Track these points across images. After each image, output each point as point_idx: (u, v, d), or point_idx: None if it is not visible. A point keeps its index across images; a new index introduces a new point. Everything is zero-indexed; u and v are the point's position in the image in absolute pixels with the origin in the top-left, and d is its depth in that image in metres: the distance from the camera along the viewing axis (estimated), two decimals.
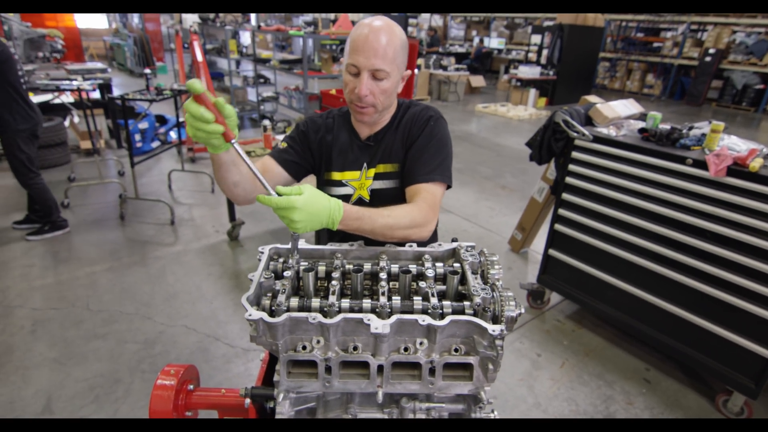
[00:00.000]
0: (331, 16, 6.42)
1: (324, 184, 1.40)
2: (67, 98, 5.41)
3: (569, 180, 2.64)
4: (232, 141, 0.95)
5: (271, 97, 6.78)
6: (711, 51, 10.71)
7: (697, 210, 2.16)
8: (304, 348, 0.88)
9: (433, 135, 1.29)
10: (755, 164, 1.96)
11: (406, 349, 0.88)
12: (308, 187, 0.97)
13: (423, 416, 0.94)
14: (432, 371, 0.88)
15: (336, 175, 1.36)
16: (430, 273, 0.96)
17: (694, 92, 11.15)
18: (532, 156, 2.89)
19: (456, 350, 0.89)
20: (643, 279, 2.42)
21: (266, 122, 3.18)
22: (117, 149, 5.80)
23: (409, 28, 13.39)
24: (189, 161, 5.55)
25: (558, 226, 2.76)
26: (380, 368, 0.88)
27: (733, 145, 2.26)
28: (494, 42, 15.04)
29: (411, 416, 0.94)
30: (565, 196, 2.68)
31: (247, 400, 1.02)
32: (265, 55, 7.39)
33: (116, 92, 5.71)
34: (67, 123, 5.45)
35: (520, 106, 9.75)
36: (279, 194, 0.93)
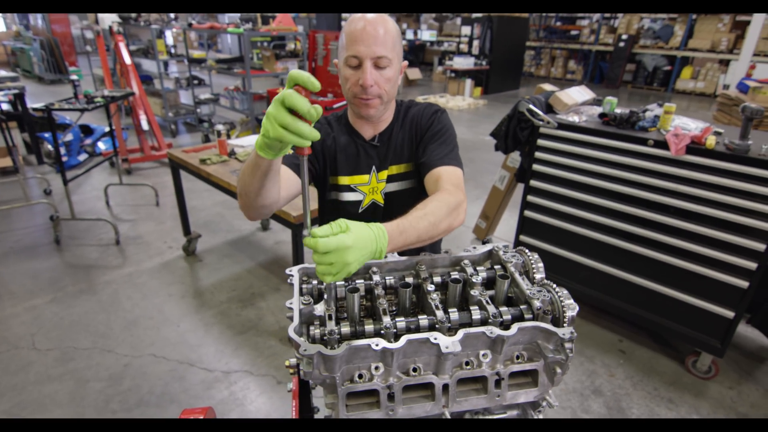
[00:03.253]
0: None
1: (331, 190, 1.32)
2: None
3: (536, 167, 2.71)
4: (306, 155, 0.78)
5: (210, 99, 6.38)
6: (624, 37, 11.58)
7: (660, 187, 2.30)
8: (360, 377, 0.80)
9: (443, 125, 1.27)
10: (711, 141, 2.11)
11: (467, 363, 0.83)
12: (343, 220, 0.81)
13: None
14: (498, 383, 0.84)
15: (344, 180, 1.29)
16: (476, 279, 0.92)
17: (612, 76, 12.00)
18: (497, 146, 2.94)
19: (518, 357, 0.86)
20: (613, 256, 2.55)
21: (220, 127, 2.97)
22: (38, 165, 5.22)
23: (342, 23, 13.22)
24: (125, 173, 5.11)
25: (528, 213, 2.83)
26: (445, 387, 0.82)
27: (684, 124, 2.42)
28: (425, 34, 15.25)
29: None
30: (533, 182, 2.75)
31: None
32: (198, 55, 6.94)
33: (29, 102, 5.10)
34: None
35: (458, 97, 9.97)
36: (315, 236, 0.76)
